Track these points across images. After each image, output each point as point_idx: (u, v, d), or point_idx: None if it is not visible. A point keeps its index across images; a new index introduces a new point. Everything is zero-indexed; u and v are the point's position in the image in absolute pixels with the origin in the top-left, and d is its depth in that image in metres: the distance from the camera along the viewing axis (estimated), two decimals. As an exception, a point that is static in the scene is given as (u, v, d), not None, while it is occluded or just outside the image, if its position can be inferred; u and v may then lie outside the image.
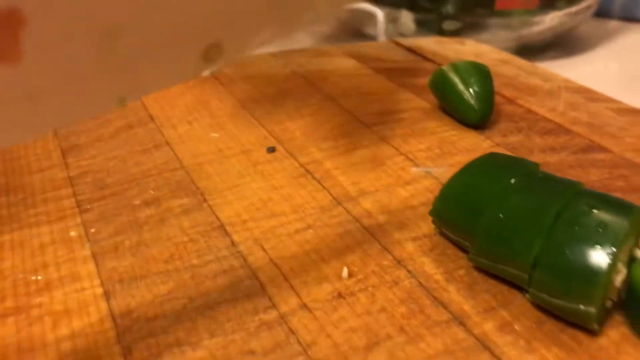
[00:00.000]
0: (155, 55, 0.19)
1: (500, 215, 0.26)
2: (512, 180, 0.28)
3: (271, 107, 0.45)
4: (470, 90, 0.42)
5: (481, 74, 0.43)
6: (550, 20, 0.67)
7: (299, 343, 0.25)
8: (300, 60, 0.55)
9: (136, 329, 0.26)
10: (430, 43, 0.61)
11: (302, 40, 0.77)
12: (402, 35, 0.68)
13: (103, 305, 0.27)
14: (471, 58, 0.57)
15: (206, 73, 0.20)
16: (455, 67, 0.43)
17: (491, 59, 0.58)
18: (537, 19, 0.66)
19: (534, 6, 0.65)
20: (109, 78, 0.18)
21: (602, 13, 0.85)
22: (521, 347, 0.25)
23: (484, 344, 0.25)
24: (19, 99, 0.17)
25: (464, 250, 0.30)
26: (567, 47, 0.75)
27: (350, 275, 0.29)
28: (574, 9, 0.68)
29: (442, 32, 0.66)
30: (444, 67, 0.44)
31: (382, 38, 0.63)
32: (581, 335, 0.25)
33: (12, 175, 0.37)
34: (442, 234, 0.31)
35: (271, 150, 0.39)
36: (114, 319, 0.26)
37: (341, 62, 0.55)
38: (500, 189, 0.27)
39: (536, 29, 0.68)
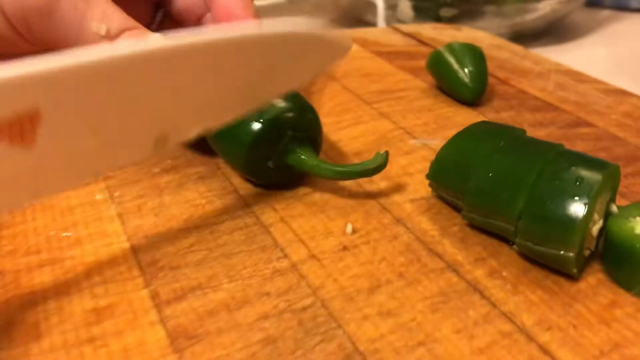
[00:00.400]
0: (122, 144, 0.26)
1: (490, 174, 0.29)
2: (501, 143, 0.30)
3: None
4: (465, 69, 0.45)
5: (475, 54, 0.46)
6: (543, 7, 0.70)
7: (309, 286, 0.28)
8: (303, 44, 0.58)
9: (162, 276, 0.29)
10: (427, 29, 0.64)
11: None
12: (401, 21, 0.71)
13: (130, 256, 0.30)
14: (466, 42, 0.60)
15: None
16: (451, 48, 0.46)
17: (486, 44, 0.60)
18: (530, 6, 0.69)
19: (528, -6, 0.68)
20: (91, 160, 0.26)
21: (594, 2, 0.88)
22: (508, 290, 0.28)
23: (475, 287, 0.28)
24: (25, 173, 0.24)
25: (457, 210, 0.33)
26: (559, 35, 0.78)
27: (353, 231, 0.31)
28: (566, -4, 0.71)
29: (439, 19, 0.69)
30: (441, 49, 0.46)
31: (381, 25, 0.66)
32: (562, 281, 0.28)
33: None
34: (438, 196, 0.34)
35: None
36: (141, 268, 0.29)
37: (343, 46, 0.57)
38: (489, 151, 0.30)
39: (530, 16, 0.71)
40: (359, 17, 0.77)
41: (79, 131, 0.24)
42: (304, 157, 0.33)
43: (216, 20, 0.36)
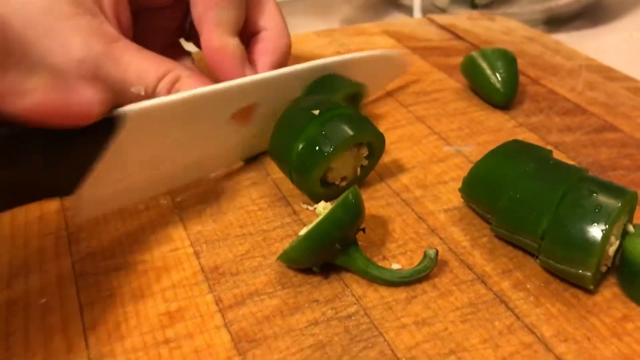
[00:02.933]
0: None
1: (517, 195, 0.32)
2: (528, 167, 0.33)
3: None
4: (497, 74, 0.47)
5: (507, 59, 0.48)
6: (577, -6, 0.71)
7: (353, 295, 0.31)
8: (342, 39, 0.60)
9: (223, 282, 0.32)
10: (462, 20, 0.66)
11: (341, 7, 0.82)
12: (437, 6, 0.73)
13: (195, 262, 0.34)
14: (500, 35, 0.62)
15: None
16: (484, 53, 0.48)
17: (519, 36, 0.62)
18: (564, -7, 0.70)
19: (562, -18, 0.69)
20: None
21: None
22: (531, 302, 0.31)
23: (501, 299, 0.31)
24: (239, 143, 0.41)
25: (487, 221, 0.36)
26: (593, 17, 0.79)
27: (391, 241, 0.35)
28: (600, -17, 0.72)
29: (474, 6, 0.70)
30: (474, 54, 0.49)
31: (417, 15, 0.68)
32: (580, 294, 0.31)
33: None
34: (469, 206, 0.37)
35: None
36: (204, 273, 0.33)
37: (380, 41, 0.60)
38: (517, 173, 0.33)
39: (563, 1, 0.72)
40: (396, 1, 0.79)
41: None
42: (353, 257, 0.32)
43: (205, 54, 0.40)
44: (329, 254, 0.32)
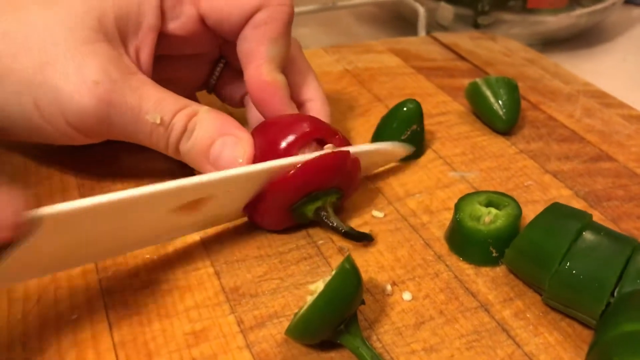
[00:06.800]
0: None
1: (573, 272, 0.33)
2: (578, 240, 0.34)
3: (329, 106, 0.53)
4: (500, 102, 0.50)
5: (509, 87, 0.50)
6: (577, 17, 0.73)
7: (365, 320, 0.34)
8: (350, 56, 0.62)
9: (244, 303, 0.35)
10: (464, 39, 0.68)
11: (346, 19, 0.84)
12: (441, 25, 0.75)
13: (216, 282, 0.36)
14: (501, 57, 0.64)
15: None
16: (488, 81, 0.50)
17: (519, 58, 0.65)
18: (564, 15, 0.72)
19: (563, 5, 0.71)
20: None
21: (629, 0, 0.90)
22: (530, 330, 0.33)
23: (503, 327, 0.34)
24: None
25: (537, 292, 0.36)
26: (590, 37, 0.81)
27: (400, 267, 0.37)
28: (600, 6, 0.74)
29: (477, 26, 0.72)
30: (478, 81, 0.51)
31: (422, 33, 0.70)
32: (575, 324, 0.34)
33: (122, 164, 0.46)
34: (514, 274, 0.37)
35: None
36: (225, 294, 0.35)
37: (386, 60, 0.62)
38: (567, 245, 0.34)
39: (563, 24, 0.74)
40: (401, 16, 0.81)
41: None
42: (350, 337, 0.32)
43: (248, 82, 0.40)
44: (331, 334, 0.31)
